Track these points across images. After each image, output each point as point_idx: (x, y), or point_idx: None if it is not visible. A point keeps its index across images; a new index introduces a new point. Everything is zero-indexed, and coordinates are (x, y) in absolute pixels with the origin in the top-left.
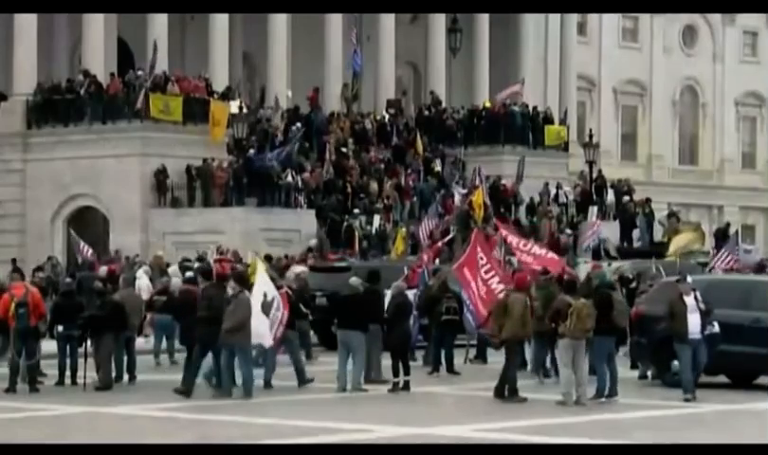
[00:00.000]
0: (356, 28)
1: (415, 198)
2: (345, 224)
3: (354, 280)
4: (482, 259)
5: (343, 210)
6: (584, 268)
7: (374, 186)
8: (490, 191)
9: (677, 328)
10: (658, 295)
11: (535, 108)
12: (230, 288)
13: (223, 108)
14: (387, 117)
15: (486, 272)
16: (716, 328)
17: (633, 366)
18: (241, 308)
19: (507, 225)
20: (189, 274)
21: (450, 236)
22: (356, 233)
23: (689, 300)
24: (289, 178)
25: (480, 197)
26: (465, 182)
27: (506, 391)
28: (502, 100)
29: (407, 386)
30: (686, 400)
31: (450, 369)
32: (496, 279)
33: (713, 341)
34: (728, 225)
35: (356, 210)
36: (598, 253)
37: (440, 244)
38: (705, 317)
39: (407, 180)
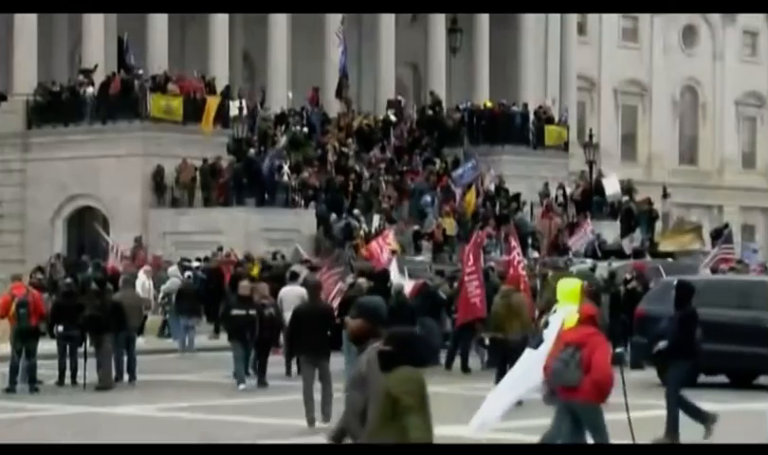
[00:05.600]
0: (343, 26)
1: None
2: (344, 223)
3: (360, 280)
4: (468, 261)
5: (339, 210)
6: (577, 268)
7: (373, 186)
8: (490, 192)
9: None
10: (658, 295)
11: (540, 107)
12: None
13: (213, 100)
14: (392, 116)
15: (469, 275)
16: None
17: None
18: None
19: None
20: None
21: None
22: (355, 233)
23: None
24: (285, 178)
25: (472, 195)
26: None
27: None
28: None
29: None
30: None
31: (465, 366)
32: (475, 283)
33: None
34: (726, 225)
35: (356, 210)
36: (595, 253)
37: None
38: None
39: (406, 180)
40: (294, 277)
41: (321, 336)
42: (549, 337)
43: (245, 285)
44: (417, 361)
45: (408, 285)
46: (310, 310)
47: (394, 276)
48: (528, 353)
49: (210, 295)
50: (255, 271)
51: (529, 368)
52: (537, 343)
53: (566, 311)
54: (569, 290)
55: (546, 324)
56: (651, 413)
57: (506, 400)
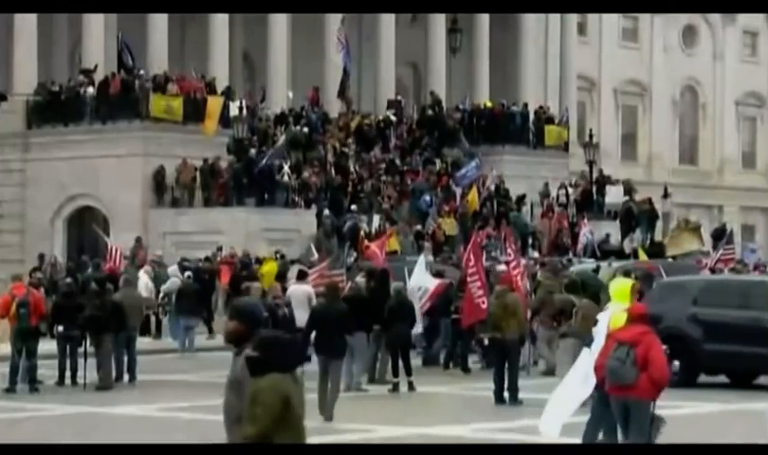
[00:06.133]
0: (344, 26)
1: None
2: (350, 223)
3: (359, 280)
4: (469, 261)
5: (339, 210)
6: (577, 268)
7: (374, 186)
8: (490, 192)
9: None
10: (658, 295)
11: (540, 107)
12: None
13: (217, 101)
14: (392, 116)
15: (471, 275)
16: None
17: None
18: None
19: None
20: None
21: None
22: (361, 233)
23: None
24: (285, 178)
25: (474, 195)
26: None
27: (509, 393)
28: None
29: (411, 386)
30: None
31: (465, 366)
32: (477, 284)
33: None
34: (724, 226)
35: (354, 207)
36: (594, 253)
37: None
38: None
39: (406, 180)
40: (302, 276)
41: (336, 337)
42: (600, 335)
43: (256, 287)
44: (284, 367)
45: (432, 285)
46: (327, 310)
47: (420, 279)
48: (586, 352)
49: (200, 296)
50: (266, 268)
51: (591, 366)
52: (589, 341)
53: (614, 309)
54: (620, 289)
55: (596, 322)
56: None
57: (576, 399)
